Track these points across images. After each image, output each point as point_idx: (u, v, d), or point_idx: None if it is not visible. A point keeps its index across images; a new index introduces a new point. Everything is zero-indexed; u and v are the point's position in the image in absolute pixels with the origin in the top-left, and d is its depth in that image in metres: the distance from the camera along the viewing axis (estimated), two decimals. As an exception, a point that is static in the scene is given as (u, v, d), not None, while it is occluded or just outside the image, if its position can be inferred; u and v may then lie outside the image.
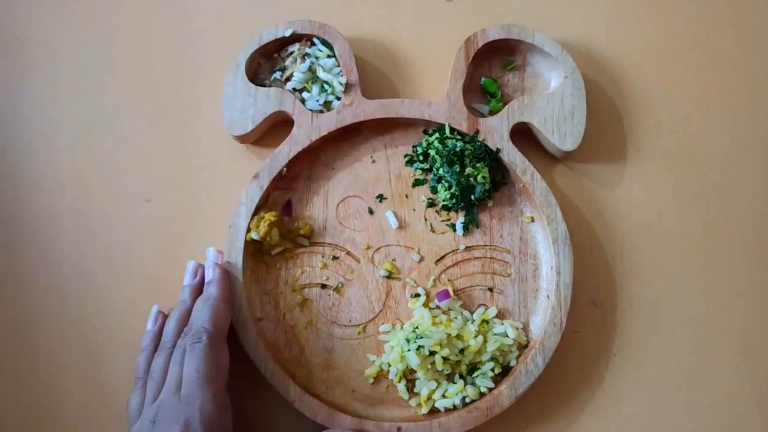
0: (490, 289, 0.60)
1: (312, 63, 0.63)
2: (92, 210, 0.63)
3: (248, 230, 0.59)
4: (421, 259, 0.61)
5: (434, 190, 0.62)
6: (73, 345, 0.60)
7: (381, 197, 0.62)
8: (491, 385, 0.57)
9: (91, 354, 0.60)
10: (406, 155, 0.63)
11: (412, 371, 0.57)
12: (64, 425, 0.59)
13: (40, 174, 0.63)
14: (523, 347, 0.59)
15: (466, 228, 0.61)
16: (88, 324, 0.60)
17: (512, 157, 0.61)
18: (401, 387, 0.57)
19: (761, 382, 0.60)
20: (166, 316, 0.58)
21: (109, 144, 0.64)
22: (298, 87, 0.62)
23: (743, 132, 0.65)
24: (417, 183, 0.62)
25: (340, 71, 0.62)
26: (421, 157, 0.62)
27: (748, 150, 0.64)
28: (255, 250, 0.60)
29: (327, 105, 0.62)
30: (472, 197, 0.61)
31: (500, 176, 0.62)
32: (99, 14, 0.67)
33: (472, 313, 0.59)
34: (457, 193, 0.60)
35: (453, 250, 0.61)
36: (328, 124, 0.61)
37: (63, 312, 0.61)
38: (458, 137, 0.61)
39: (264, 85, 0.63)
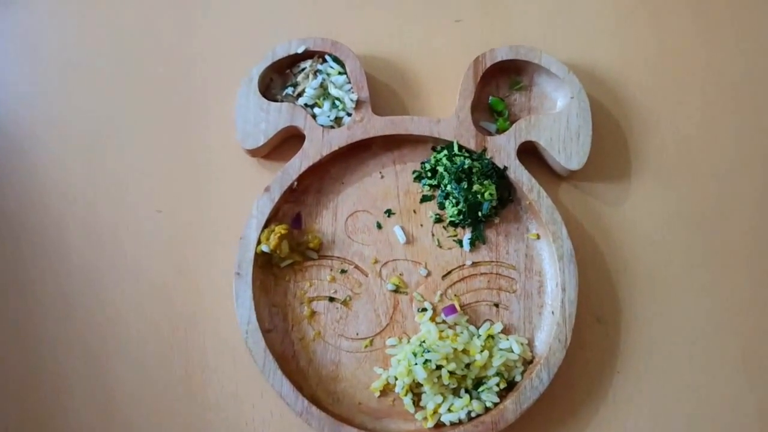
0: (496, 305, 0.61)
1: (324, 79, 0.64)
2: (102, 219, 0.63)
3: (258, 242, 0.59)
4: (428, 274, 0.62)
5: (442, 206, 0.63)
6: (79, 353, 0.60)
7: (389, 212, 0.63)
8: (496, 399, 0.58)
9: (96, 363, 0.60)
10: (414, 171, 0.64)
11: (419, 385, 0.58)
12: (67, 433, 0.59)
13: (51, 182, 0.64)
14: (528, 363, 0.59)
15: (473, 244, 0.62)
16: (94, 333, 0.61)
17: (519, 175, 0.62)
18: (407, 400, 0.58)
19: (763, 398, 0.60)
20: None
21: (120, 154, 0.65)
22: (310, 103, 0.64)
23: (746, 152, 0.66)
24: (425, 199, 0.63)
25: (351, 88, 0.64)
26: (429, 174, 0.63)
27: (751, 170, 0.66)
28: (265, 262, 0.61)
29: (338, 121, 0.63)
30: (479, 214, 0.61)
31: (507, 193, 0.63)
32: (113, 24, 0.68)
33: (478, 328, 0.60)
34: (464, 210, 0.61)
35: (460, 266, 0.62)
36: (338, 139, 0.62)
37: (70, 320, 0.61)
38: (466, 155, 0.62)
39: (276, 100, 0.64)
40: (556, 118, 0.63)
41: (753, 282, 0.63)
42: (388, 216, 0.63)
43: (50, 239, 0.63)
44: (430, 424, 0.57)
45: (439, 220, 0.63)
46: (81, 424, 0.59)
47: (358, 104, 0.63)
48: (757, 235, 0.64)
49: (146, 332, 0.61)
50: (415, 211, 0.63)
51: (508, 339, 0.59)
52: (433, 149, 0.64)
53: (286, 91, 0.64)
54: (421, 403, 0.58)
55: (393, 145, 0.64)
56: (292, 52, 0.64)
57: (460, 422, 0.57)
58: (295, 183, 0.61)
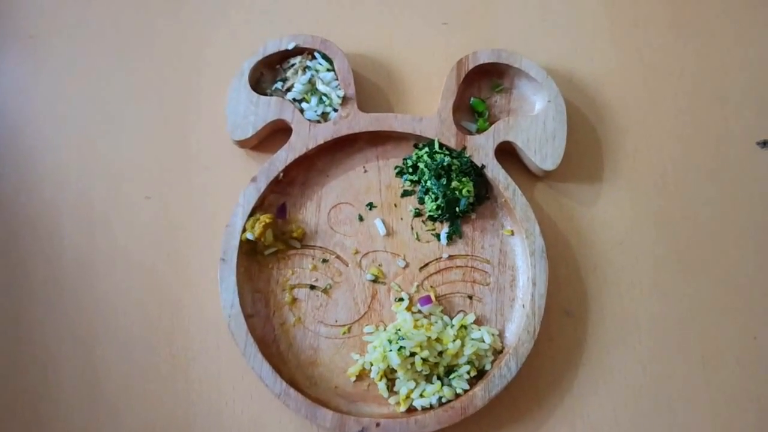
0: (470, 297, 0.64)
1: (312, 75, 0.66)
2: (93, 205, 0.65)
3: (244, 230, 0.62)
4: (406, 266, 0.64)
5: (421, 201, 0.65)
6: (67, 335, 0.62)
7: (371, 205, 0.65)
8: (466, 386, 0.60)
9: (84, 344, 0.62)
10: (396, 167, 0.66)
11: (393, 371, 0.60)
12: (56, 417, 0.60)
13: (45, 167, 0.66)
14: (498, 352, 0.62)
15: (450, 238, 0.65)
16: (84, 317, 0.63)
17: (496, 173, 0.65)
18: (382, 385, 0.60)
19: (718, 391, 0.63)
20: None
21: (113, 141, 0.67)
22: (298, 97, 0.66)
23: (715, 160, 0.69)
24: (405, 194, 0.66)
25: (338, 85, 0.66)
26: (410, 170, 0.66)
27: (718, 177, 0.68)
28: (249, 249, 0.63)
29: (324, 116, 0.66)
30: (457, 209, 0.64)
31: (484, 191, 0.66)
32: (110, 17, 0.70)
33: (451, 318, 0.63)
34: (442, 205, 0.64)
35: (436, 259, 0.64)
36: (324, 133, 0.65)
37: (60, 304, 0.63)
38: (446, 152, 0.65)
39: (265, 94, 0.66)
40: (534, 120, 0.66)
41: (714, 283, 0.66)
42: (370, 209, 0.65)
43: (43, 223, 0.64)
44: (403, 408, 0.60)
45: (418, 214, 0.65)
46: (68, 404, 0.61)
47: (345, 101, 0.65)
48: (720, 238, 0.67)
49: (134, 314, 0.63)
50: (395, 205, 0.65)
51: (479, 329, 0.62)
52: (415, 146, 0.66)
53: (275, 85, 0.67)
54: (395, 388, 0.61)
55: (377, 141, 0.66)
56: (282, 48, 0.66)
57: (431, 407, 0.60)
58: (281, 174, 0.64)
